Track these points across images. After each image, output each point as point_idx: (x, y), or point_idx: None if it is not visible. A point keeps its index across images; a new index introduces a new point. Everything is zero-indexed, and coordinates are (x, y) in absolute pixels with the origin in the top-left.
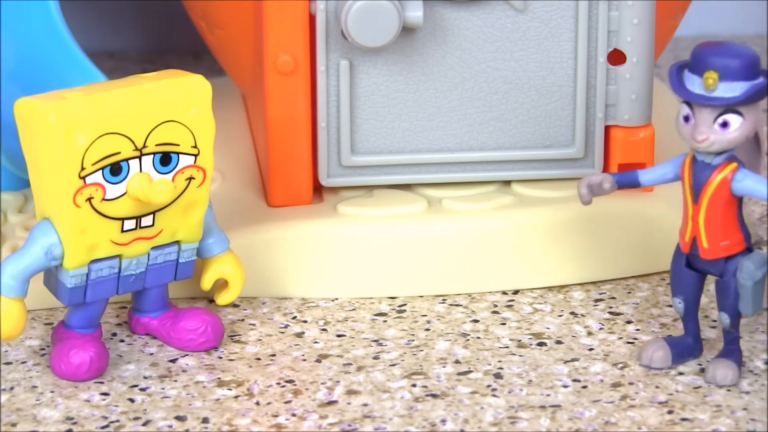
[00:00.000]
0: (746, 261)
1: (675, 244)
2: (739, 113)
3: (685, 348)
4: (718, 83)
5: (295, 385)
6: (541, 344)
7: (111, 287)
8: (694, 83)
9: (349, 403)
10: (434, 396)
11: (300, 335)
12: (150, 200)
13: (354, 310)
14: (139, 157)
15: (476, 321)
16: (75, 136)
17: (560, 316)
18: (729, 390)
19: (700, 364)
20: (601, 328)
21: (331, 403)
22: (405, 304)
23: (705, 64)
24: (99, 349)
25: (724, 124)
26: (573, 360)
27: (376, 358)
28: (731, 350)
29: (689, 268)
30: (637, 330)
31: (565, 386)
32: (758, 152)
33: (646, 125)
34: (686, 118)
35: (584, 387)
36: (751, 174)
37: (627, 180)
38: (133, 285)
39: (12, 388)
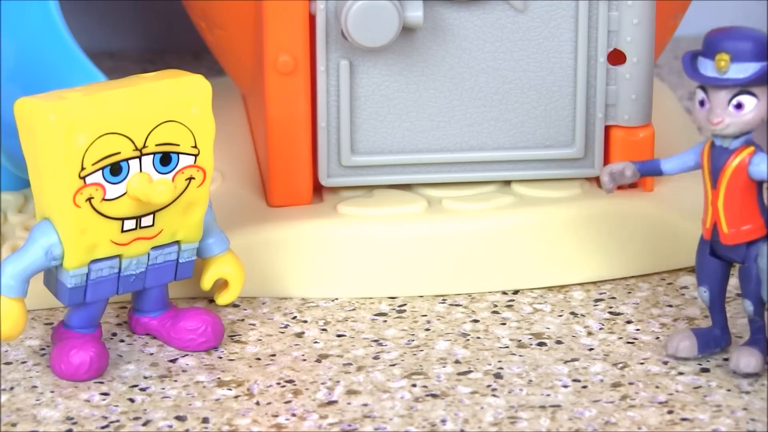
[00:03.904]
0: (766, 246)
1: (675, 244)
2: (753, 94)
3: (712, 339)
4: (730, 65)
5: (295, 385)
6: (541, 344)
7: (111, 287)
8: (707, 67)
9: (349, 403)
10: (434, 396)
11: (300, 335)
12: (150, 200)
13: (354, 310)
14: (139, 157)
15: (476, 321)
16: (75, 136)
17: (560, 316)
18: (729, 390)
19: (701, 364)
20: (601, 328)
21: (331, 403)
22: (405, 304)
23: (717, 48)
24: (99, 349)
25: (739, 106)
26: (573, 360)
27: (376, 358)
28: (756, 339)
29: (713, 257)
30: (637, 330)
31: (565, 386)
32: None
33: (646, 125)
34: (701, 103)
35: (584, 387)
36: None
37: (649, 168)
38: (133, 285)
39: (12, 388)
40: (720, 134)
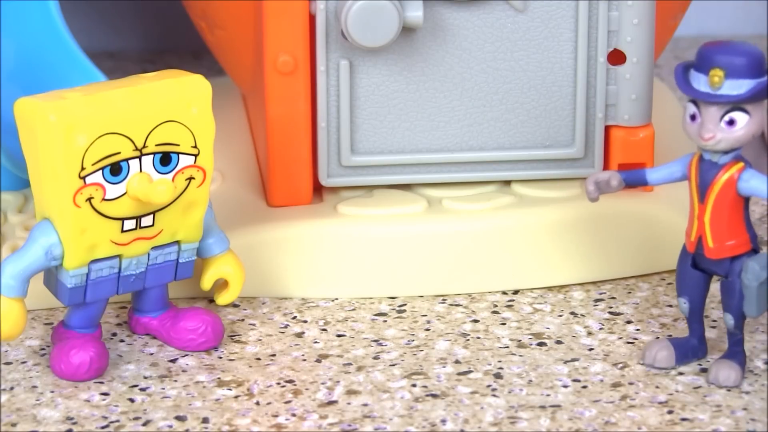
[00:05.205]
0: (751, 262)
1: (675, 244)
2: (746, 111)
3: (690, 349)
4: (723, 81)
5: (295, 385)
6: (541, 344)
7: (111, 287)
8: (700, 81)
9: (349, 403)
10: (434, 396)
11: (300, 335)
12: (150, 200)
13: (354, 310)
14: (139, 157)
15: (476, 321)
16: (75, 136)
17: (560, 316)
18: (729, 390)
19: (701, 364)
20: (601, 328)
21: (331, 403)
22: (405, 304)
23: (711, 62)
24: (99, 349)
25: (731, 122)
26: (573, 360)
27: (376, 358)
28: (735, 352)
29: (695, 269)
30: (637, 330)
31: (565, 386)
32: (764, 152)
33: (646, 125)
34: (693, 117)
35: (584, 387)
36: (757, 174)
37: (634, 178)
38: (133, 285)
39: (12, 388)
40: (710, 149)
